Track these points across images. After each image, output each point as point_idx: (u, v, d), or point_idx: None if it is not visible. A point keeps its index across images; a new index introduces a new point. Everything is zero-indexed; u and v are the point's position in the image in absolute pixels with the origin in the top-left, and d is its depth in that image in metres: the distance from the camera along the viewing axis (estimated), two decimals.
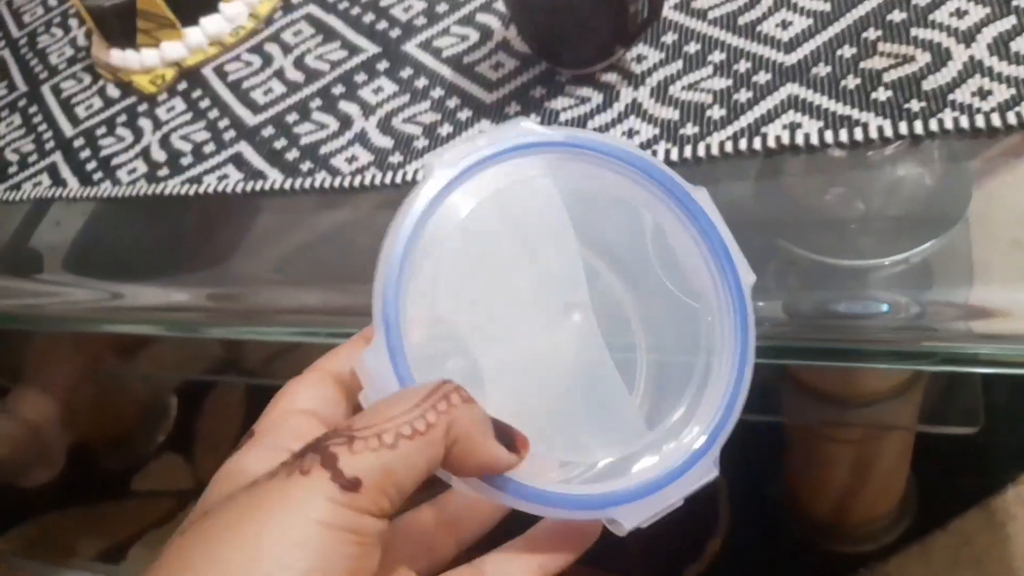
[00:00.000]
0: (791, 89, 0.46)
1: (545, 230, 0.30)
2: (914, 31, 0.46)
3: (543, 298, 0.30)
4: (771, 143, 0.44)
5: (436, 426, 0.24)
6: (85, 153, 0.65)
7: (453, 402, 0.24)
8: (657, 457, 0.30)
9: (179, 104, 0.65)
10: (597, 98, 0.50)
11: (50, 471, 1.09)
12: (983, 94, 0.42)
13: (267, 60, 0.64)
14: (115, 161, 0.63)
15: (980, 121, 0.41)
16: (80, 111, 0.69)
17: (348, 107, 0.57)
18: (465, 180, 0.29)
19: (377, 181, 0.52)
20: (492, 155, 0.29)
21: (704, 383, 0.31)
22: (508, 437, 0.26)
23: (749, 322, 0.31)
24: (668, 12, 0.53)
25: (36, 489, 1.30)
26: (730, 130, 0.46)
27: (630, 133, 0.48)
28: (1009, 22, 0.44)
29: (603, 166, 0.31)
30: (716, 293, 0.31)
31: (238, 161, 0.58)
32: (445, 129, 0.53)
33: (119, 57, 0.68)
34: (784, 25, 0.49)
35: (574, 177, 0.30)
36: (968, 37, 0.45)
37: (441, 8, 0.61)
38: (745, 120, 0.46)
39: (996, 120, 0.41)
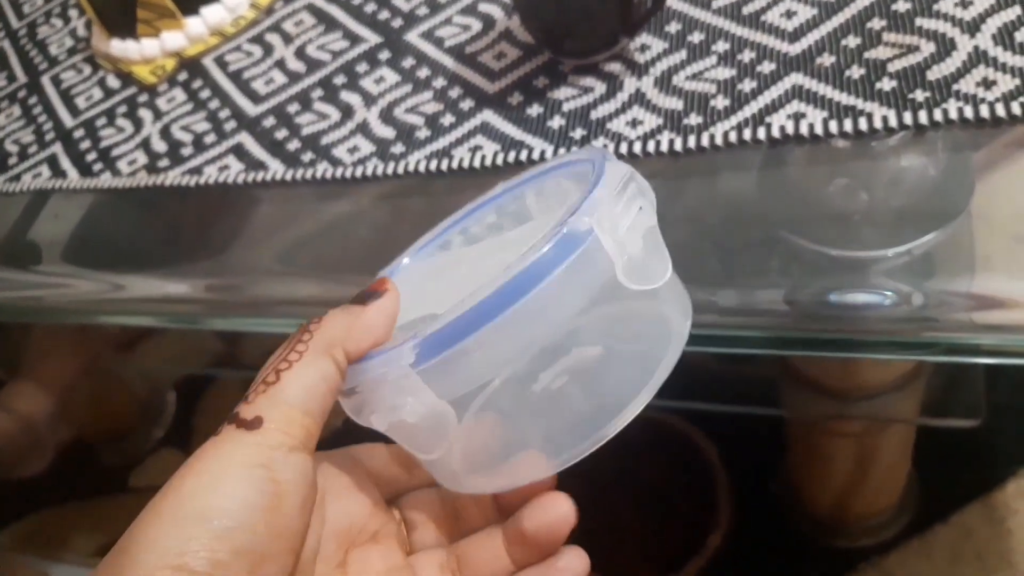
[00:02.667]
0: (795, 79, 0.46)
1: None
2: (919, 21, 0.46)
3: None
4: (775, 133, 0.44)
5: (306, 346, 0.27)
6: (85, 144, 0.64)
7: (311, 325, 0.28)
8: None
9: (179, 94, 0.64)
10: (600, 88, 0.50)
11: (38, 464, 1.09)
12: (987, 84, 0.42)
13: (268, 50, 0.64)
14: (115, 152, 0.62)
15: (984, 111, 0.41)
16: (80, 102, 0.68)
17: (350, 97, 0.57)
18: None
19: (379, 171, 0.52)
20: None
21: None
22: (367, 295, 0.29)
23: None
24: (672, 1, 0.53)
25: (32, 484, 1.30)
26: (734, 120, 0.45)
27: (634, 123, 0.48)
28: (1014, 12, 0.44)
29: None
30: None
31: (239, 152, 0.58)
32: (447, 119, 0.53)
33: (119, 47, 0.68)
34: (788, 15, 0.49)
35: None
36: (973, 27, 0.45)
37: None
38: (749, 110, 0.46)
39: (1000, 110, 0.41)
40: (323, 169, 0.53)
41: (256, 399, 0.26)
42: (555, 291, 0.26)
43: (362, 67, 0.59)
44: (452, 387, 0.27)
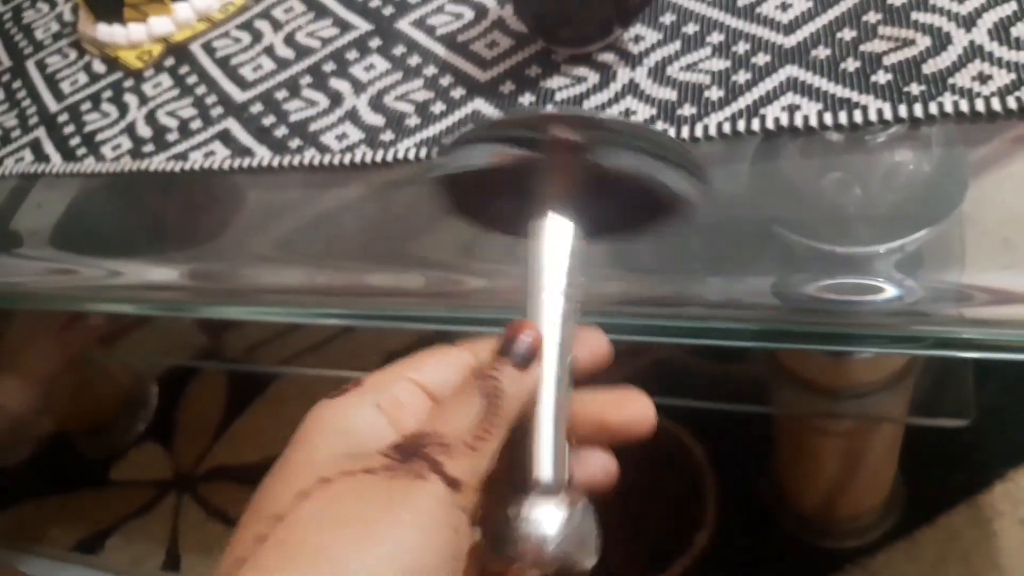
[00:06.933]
0: (790, 71, 0.46)
1: None
2: (914, 15, 0.46)
3: None
4: (770, 125, 0.44)
5: (503, 422, 0.28)
6: (69, 129, 0.63)
7: (501, 397, 0.28)
8: None
9: (166, 80, 0.63)
10: (593, 78, 0.50)
11: (16, 456, 1.07)
12: (983, 79, 0.42)
13: (257, 36, 0.63)
14: (99, 137, 0.61)
15: (980, 105, 0.41)
16: (65, 86, 0.67)
17: (339, 84, 0.56)
18: None
19: (368, 159, 0.51)
20: None
21: None
22: (520, 354, 0.29)
23: None
24: None
25: (11, 476, 1.28)
26: (728, 111, 0.45)
27: (627, 113, 0.47)
28: (1010, 7, 0.44)
29: None
30: None
31: (225, 138, 0.57)
32: (438, 107, 0.52)
33: (106, 32, 0.67)
34: (784, 7, 0.49)
35: None
36: (969, 22, 0.44)
37: None
38: (744, 101, 0.45)
39: (996, 104, 0.40)
40: (311, 156, 0.53)
41: (460, 459, 0.27)
42: None
43: (352, 54, 0.58)
44: None
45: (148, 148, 0.58)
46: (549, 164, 0.31)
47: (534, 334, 0.29)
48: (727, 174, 0.45)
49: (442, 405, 0.30)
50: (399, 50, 0.57)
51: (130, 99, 0.63)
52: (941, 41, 0.44)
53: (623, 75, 0.49)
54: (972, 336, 0.39)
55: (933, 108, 0.41)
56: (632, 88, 0.48)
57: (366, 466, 0.27)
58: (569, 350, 0.30)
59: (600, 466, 0.31)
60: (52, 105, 0.66)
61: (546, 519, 0.28)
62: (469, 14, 0.57)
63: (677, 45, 0.49)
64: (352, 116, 0.54)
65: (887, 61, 0.44)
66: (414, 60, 0.56)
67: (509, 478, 0.29)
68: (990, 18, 0.44)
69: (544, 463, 0.29)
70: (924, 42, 0.44)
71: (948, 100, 0.41)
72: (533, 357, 0.29)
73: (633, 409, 0.31)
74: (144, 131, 0.60)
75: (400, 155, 0.50)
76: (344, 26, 0.60)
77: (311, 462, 0.27)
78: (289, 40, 0.62)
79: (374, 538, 0.25)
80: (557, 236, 0.31)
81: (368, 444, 0.28)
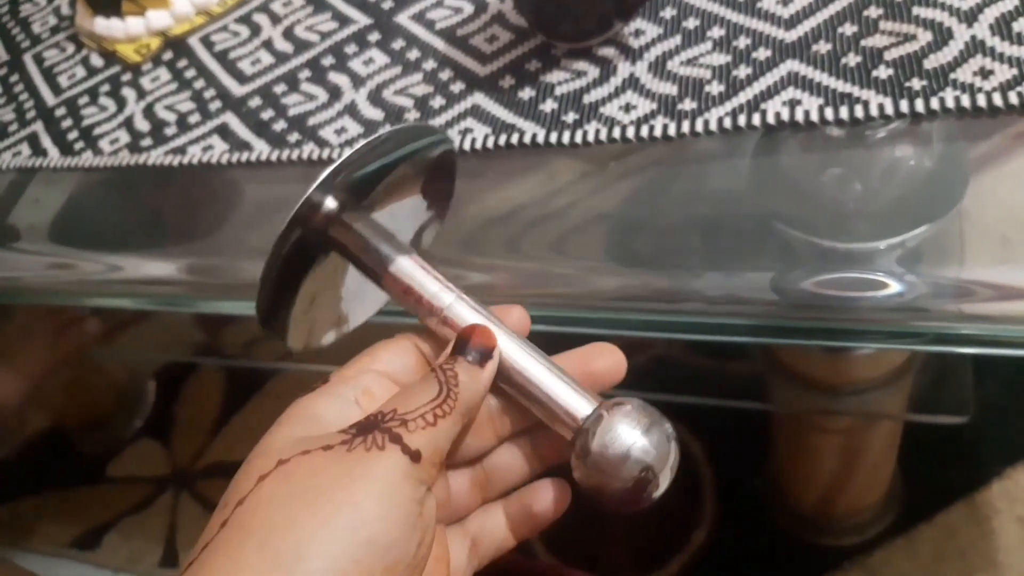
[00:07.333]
0: (791, 66, 0.45)
1: None
2: (916, 10, 0.45)
3: None
4: (770, 119, 0.43)
5: (455, 403, 0.29)
6: (67, 123, 0.63)
7: (458, 384, 0.29)
8: None
9: (164, 74, 0.63)
10: (594, 72, 0.49)
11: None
12: (984, 74, 0.42)
13: (255, 30, 0.63)
14: (97, 131, 0.61)
15: (981, 100, 0.41)
16: (63, 80, 0.67)
17: (338, 78, 0.56)
18: None
19: None
20: None
21: None
22: (480, 352, 0.30)
23: None
24: None
25: (6, 471, 1.28)
26: (728, 106, 0.45)
27: (627, 107, 0.47)
28: (1012, 3, 0.44)
29: None
30: None
31: (223, 132, 0.56)
32: (437, 101, 0.52)
33: (104, 26, 0.66)
34: (784, 2, 0.49)
35: None
36: (970, 17, 0.44)
37: None
38: (744, 96, 0.45)
39: (997, 100, 0.40)
40: (309, 150, 0.52)
41: (418, 432, 0.28)
42: None
43: (351, 48, 0.58)
44: None
45: (146, 142, 0.58)
46: (347, 244, 0.33)
47: (486, 335, 0.30)
48: (727, 169, 0.45)
49: (401, 390, 0.30)
50: (398, 44, 0.57)
51: (128, 93, 0.63)
52: (942, 36, 0.44)
53: (623, 69, 0.49)
54: (971, 332, 0.39)
55: (934, 103, 0.41)
56: (632, 82, 0.48)
57: (324, 444, 0.27)
58: (507, 326, 0.32)
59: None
60: (50, 99, 0.66)
61: (618, 434, 0.29)
62: (469, 8, 0.56)
63: (678, 39, 0.49)
64: (351, 110, 0.54)
65: (888, 56, 0.44)
66: (413, 54, 0.55)
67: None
68: (991, 13, 0.44)
69: (575, 403, 0.30)
70: (925, 37, 0.44)
71: (949, 95, 0.41)
72: (490, 356, 0.30)
73: (609, 357, 0.33)
74: (142, 125, 0.60)
75: None
76: (343, 20, 0.60)
77: (274, 448, 0.28)
78: (288, 34, 0.61)
79: (331, 510, 0.25)
80: (411, 272, 0.32)
81: (335, 429, 0.28)
